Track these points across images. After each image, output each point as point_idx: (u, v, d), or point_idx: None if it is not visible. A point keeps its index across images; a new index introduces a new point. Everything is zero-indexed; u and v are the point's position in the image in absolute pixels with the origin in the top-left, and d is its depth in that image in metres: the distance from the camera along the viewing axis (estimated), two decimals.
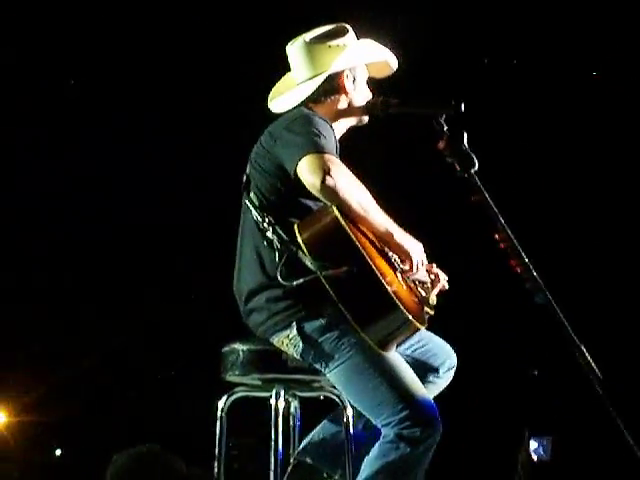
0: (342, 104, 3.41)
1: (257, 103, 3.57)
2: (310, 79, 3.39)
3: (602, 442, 5.00)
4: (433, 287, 3.35)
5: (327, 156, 3.07)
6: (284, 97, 3.46)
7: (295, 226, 3.08)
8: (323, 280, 3.01)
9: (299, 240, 3.05)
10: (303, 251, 3.06)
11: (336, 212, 3.05)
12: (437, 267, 3.42)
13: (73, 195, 5.40)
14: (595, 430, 5.01)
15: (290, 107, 3.39)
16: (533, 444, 5.24)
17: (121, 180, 5.45)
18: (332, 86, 3.40)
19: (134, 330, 5.28)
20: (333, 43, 3.40)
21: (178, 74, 5.44)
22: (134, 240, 5.38)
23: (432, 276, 3.38)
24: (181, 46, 5.41)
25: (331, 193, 3.04)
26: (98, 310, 5.28)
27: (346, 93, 3.40)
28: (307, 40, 3.42)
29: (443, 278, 3.41)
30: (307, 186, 3.08)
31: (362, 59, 3.44)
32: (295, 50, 3.45)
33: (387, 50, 3.51)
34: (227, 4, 5.34)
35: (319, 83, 3.36)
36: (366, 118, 3.47)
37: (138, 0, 5.38)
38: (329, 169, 3.03)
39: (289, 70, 3.51)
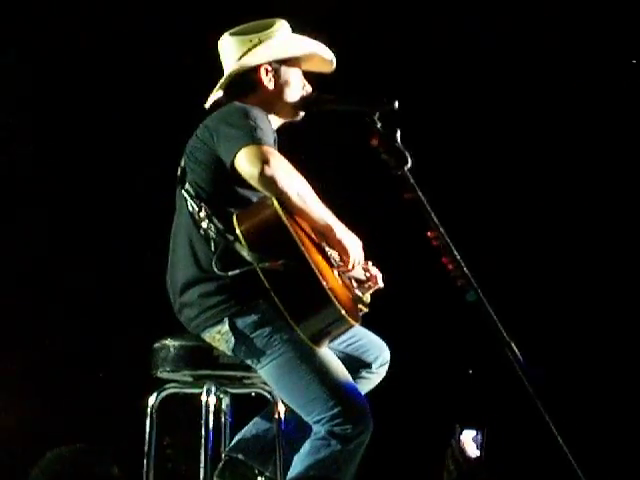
0: (268, 98, 3.36)
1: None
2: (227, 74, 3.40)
3: (533, 437, 5.05)
4: (368, 286, 3.36)
5: (265, 147, 3.07)
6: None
7: (234, 217, 3.07)
8: (259, 272, 3.00)
9: (237, 231, 3.04)
10: (240, 242, 3.05)
11: (276, 204, 3.04)
12: (373, 266, 3.43)
13: None
14: (525, 425, 5.06)
15: (210, 102, 3.42)
16: (466, 437, 5.27)
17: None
18: (251, 80, 3.39)
19: (63, 326, 5.22)
20: (253, 37, 3.40)
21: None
22: (62, 235, 5.31)
23: (368, 274, 3.39)
24: None
25: (270, 183, 3.03)
26: (25, 306, 5.20)
27: (265, 88, 3.38)
28: (229, 34, 3.43)
29: (379, 277, 3.42)
30: (245, 177, 3.07)
31: (282, 53, 3.41)
32: (220, 44, 3.46)
33: (318, 44, 3.49)
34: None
35: (229, 77, 3.37)
36: (301, 114, 3.46)
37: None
38: (267, 160, 3.03)
39: None
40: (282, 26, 3.45)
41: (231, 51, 3.43)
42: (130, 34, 5.24)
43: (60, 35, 5.22)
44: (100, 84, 5.30)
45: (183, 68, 5.15)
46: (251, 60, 3.38)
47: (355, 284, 3.32)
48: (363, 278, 3.37)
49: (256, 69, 3.39)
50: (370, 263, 3.42)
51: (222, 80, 3.42)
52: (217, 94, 3.45)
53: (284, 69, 3.42)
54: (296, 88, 3.44)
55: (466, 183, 5.47)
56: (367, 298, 3.35)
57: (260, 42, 3.39)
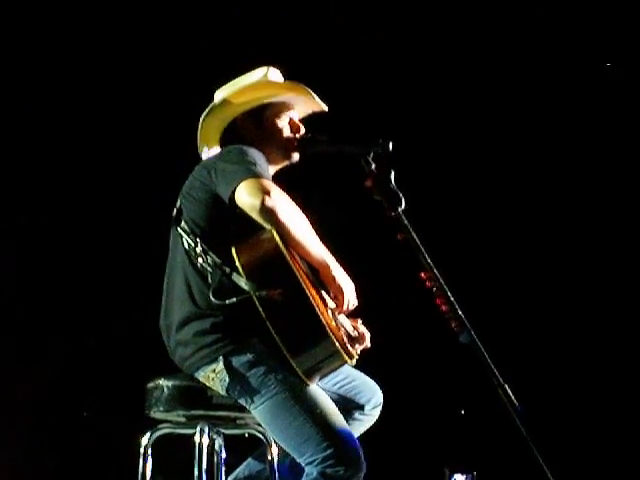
0: (255, 146, 3.34)
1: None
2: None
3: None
4: (357, 343, 3.33)
5: (265, 180, 3.09)
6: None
7: (233, 249, 3.07)
8: (256, 301, 2.99)
9: (237, 263, 3.04)
10: (239, 272, 3.05)
11: (276, 237, 3.05)
12: (362, 324, 3.41)
13: None
14: (517, 468, 5.05)
15: (204, 156, 3.48)
16: None
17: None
18: (237, 131, 3.43)
19: (55, 365, 5.21)
20: (233, 92, 3.45)
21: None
22: (56, 275, 5.32)
23: (357, 333, 3.36)
24: None
25: (271, 214, 3.04)
26: (14, 344, 5.20)
27: (249, 136, 3.40)
28: (217, 91, 3.50)
29: (367, 336, 3.38)
30: (246, 209, 3.07)
31: (252, 102, 3.43)
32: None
33: (299, 86, 3.50)
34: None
35: (217, 128, 3.44)
36: (296, 156, 3.47)
37: None
38: (269, 191, 3.04)
39: None
40: (262, 72, 3.49)
41: (214, 107, 3.47)
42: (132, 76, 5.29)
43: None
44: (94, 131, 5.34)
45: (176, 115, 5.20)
46: (226, 113, 3.43)
47: (345, 336, 3.30)
48: (352, 334, 3.34)
49: (236, 120, 3.44)
50: (360, 321, 3.40)
51: (200, 132, 3.47)
52: (212, 149, 3.48)
53: (266, 114, 3.45)
54: (284, 131, 3.45)
55: (459, 225, 5.49)
56: (355, 353, 3.32)
57: (234, 95, 3.44)
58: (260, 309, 2.99)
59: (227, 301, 3.08)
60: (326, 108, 3.58)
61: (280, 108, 3.47)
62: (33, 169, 5.32)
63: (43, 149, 5.34)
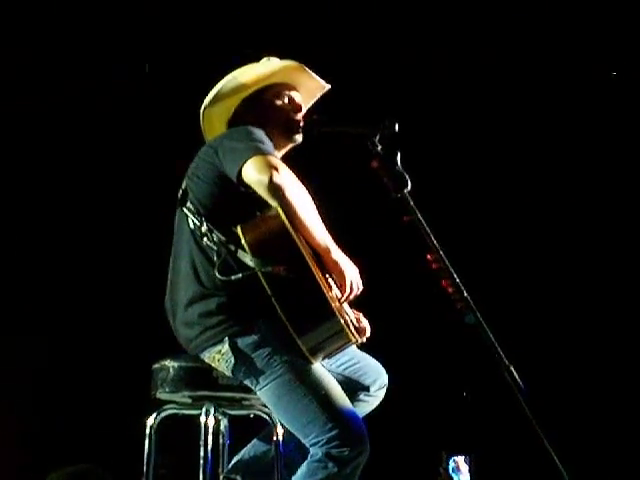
0: (262, 126, 3.34)
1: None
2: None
3: (525, 463, 5.06)
4: (358, 333, 3.32)
5: (272, 157, 3.09)
6: None
7: (238, 228, 3.06)
8: (261, 277, 2.99)
9: (242, 241, 3.04)
10: (244, 250, 3.05)
11: (282, 215, 3.04)
12: (364, 317, 3.40)
13: None
14: (518, 450, 5.06)
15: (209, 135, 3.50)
16: (459, 462, 5.27)
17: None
18: (238, 117, 3.45)
19: (62, 346, 5.22)
20: (236, 74, 3.47)
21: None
22: (61, 252, 5.33)
23: (359, 325, 3.33)
24: None
25: (279, 190, 3.03)
26: (22, 325, 5.21)
27: (249, 120, 3.39)
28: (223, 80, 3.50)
29: (367, 330, 3.37)
30: (253, 185, 3.06)
31: (252, 84, 3.46)
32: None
33: (284, 62, 3.50)
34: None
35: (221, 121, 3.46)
36: (299, 137, 3.47)
37: None
38: (277, 168, 3.04)
39: None
40: (262, 61, 3.51)
41: (225, 88, 3.47)
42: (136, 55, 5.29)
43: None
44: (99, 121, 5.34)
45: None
46: (222, 108, 3.46)
47: (348, 318, 3.27)
48: (355, 324, 3.29)
49: (237, 106, 3.46)
50: (361, 315, 3.39)
51: (203, 125, 3.50)
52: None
53: (264, 98, 3.46)
54: (284, 112, 3.46)
55: (466, 205, 5.49)
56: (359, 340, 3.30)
57: (227, 83, 3.45)
58: (265, 286, 2.98)
59: (233, 277, 3.08)
60: (327, 85, 3.58)
61: (278, 89, 3.48)
62: (32, 144, 5.32)
63: (42, 127, 5.34)
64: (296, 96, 3.50)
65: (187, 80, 5.10)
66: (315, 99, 3.63)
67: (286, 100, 3.48)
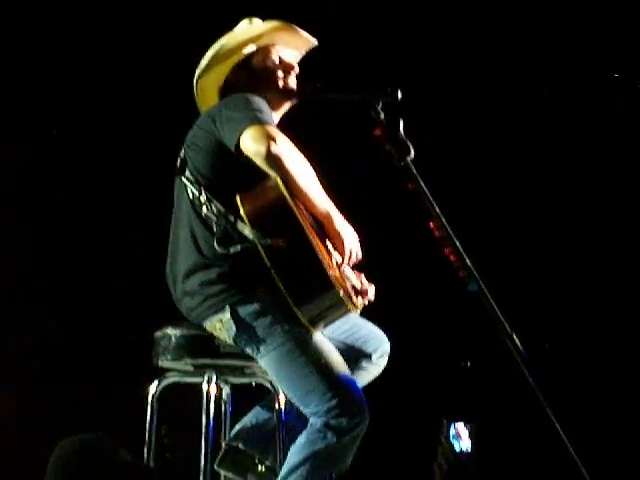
0: (256, 93, 3.30)
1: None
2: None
3: (526, 432, 5.07)
4: (361, 296, 3.32)
5: (271, 127, 3.07)
6: None
7: (237, 198, 3.06)
8: (261, 249, 2.99)
9: (241, 212, 3.03)
10: (243, 221, 3.04)
11: (281, 186, 3.03)
12: (365, 279, 3.39)
13: None
14: (519, 417, 5.07)
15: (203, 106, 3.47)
16: (461, 429, 5.29)
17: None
18: (230, 82, 3.42)
19: (65, 315, 5.22)
20: (209, 61, 3.43)
21: None
22: (60, 224, 5.32)
23: (361, 286, 3.32)
24: None
25: (277, 161, 3.03)
26: (26, 294, 5.21)
27: (245, 86, 3.35)
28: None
29: (371, 291, 3.36)
30: (251, 155, 3.05)
31: (241, 46, 3.42)
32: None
33: (266, 23, 3.46)
34: None
35: (212, 90, 3.43)
36: (294, 98, 3.43)
37: None
38: (274, 138, 3.03)
39: None
40: (243, 25, 3.47)
41: (214, 55, 3.44)
42: (131, 34, 5.25)
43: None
44: (98, 79, 5.30)
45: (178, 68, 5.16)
46: (218, 72, 3.43)
47: (349, 285, 3.27)
48: (357, 285, 3.32)
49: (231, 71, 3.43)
50: (363, 276, 3.38)
51: (197, 98, 3.47)
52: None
53: (255, 61, 3.43)
54: (278, 72, 3.42)
55: (468, 174, 5.47)
56: (360, 305, 3.30)
57: (212, 63, 3.42)
58: (265, 258, 2.99)
59: (232, 249, 3.08)
60: (315, 42, 3.54)
61: (267, 51, 3.45)
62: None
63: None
64: (286, 55, 3.46)
65: (183, 45, 5.06)
66: (302, 55, 3.57)
67: (277, 61, 3.44)
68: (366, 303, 3.32)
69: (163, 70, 5.20)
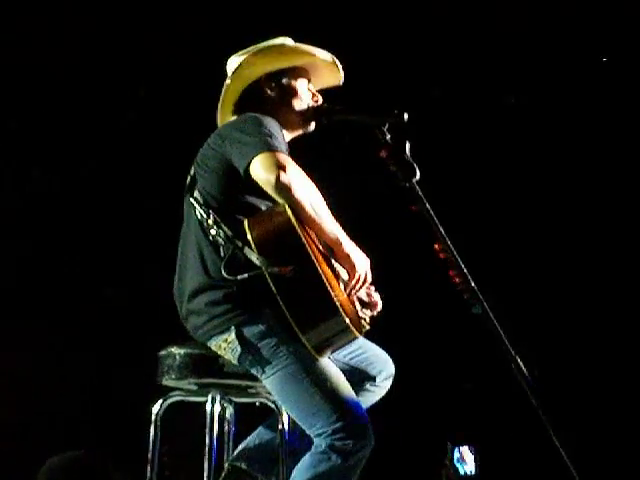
0: (274, 110, 3.37)
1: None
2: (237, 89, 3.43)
3: (531, 455, 5.06)
4: (369, 309, 3.33)
5: (281, 154, 3.07)
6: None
7: (245, 222, 3.06)
8: (267, 277, 2.99)
9: (248, 237, 3.03)
10: (250, 247, 3.04)
11: (289, 212, 3.04)
12: (376, 291, 3.41)
13: None
14: (523, 441, 5.06)
15: (221, 120, 3.45)
16: (465, 452, 5.28)
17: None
18: (256, 93, 3.42)
19: (69, 331, 5.23)
20: (252, 50, 3.43)
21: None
22: (69, 242, 5.33)
23: (369, 299, 3.35)
24: None
25: (286, 190, 3.03)
26: (29, 310, 5.22)
27: (271, 99, 3.40)
28: (238, 53, 3.47)
29: (379, 304, 3.38)
30: (261, 183, 3.06)
31: (281, 63, 3.43)
32: (229, 64, 3.49)
33: (321, 50, 3.49)
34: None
35: (233, 92, 3.41)
36: (312, 125, 3.46)
37: None
38: (284, 166, 3.03)
39: None
40: (283, 40, 3.47)
41: (232, 67, 3.45)
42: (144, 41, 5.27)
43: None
44: (111, 94, 5.32)
45: (193, 84, 5.17)
46: (251, 72, 3.41)
47: (358, 304, 3.30)
48: (365, 299, 3.33)
49: (259, 81, 3.42)
50: (373, 288, 3.39)
51: (222, 95, 3.44)
52: (227, 113, 3.46)
53: (288, 79, 3.44)
54: (303, 98, 3.44)
55: (474, 196, 5.48)
56: (366, 320, 3.32)
57: (259, 54, 3.41)
58: (271, 285, 2.99)
59: (239, 277, 3.08)
60: (341, 82, 3.57)
61: (301, 74, 3.46)
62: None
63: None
64: (310, 85, 3.49)
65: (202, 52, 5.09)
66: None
67: (306, 86, 3.46)
68: (374, 314, 3.34)
69: (179, 78, 5.22)
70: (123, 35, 5.29)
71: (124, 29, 5.28)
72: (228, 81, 3.43)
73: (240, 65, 3.41)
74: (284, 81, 3.43)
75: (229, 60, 3.50)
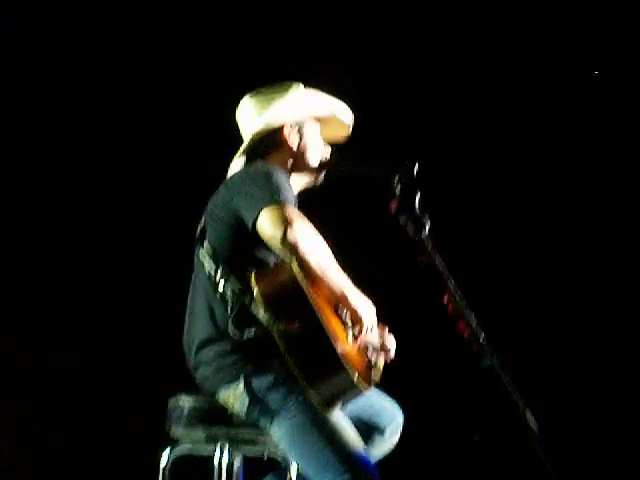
0: (290, 160, 3.40)
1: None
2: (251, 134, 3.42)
3: None
4: (382, 352, 3.33)
5: (289, 209, 3.06)
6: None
7: (252, 276, 3.06)
8: (274, 334, 3.00)
9: (254, 292, 3.03)
10: (257, 303, 3.05)
11: (295, 269, 3.03)
12: (389, 332, 3.41)
13: None
14: None
15: (236, 167, 3.44)
16: None
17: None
18: (275, 139, 3.42)
19: (78, 379, 5.22)
20: (275, 96, 3.43)
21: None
22: (82, 274, 5.33)
23: (382, 342, 3.35)
24: None
25: (292, 248, 3.01)
26: (40, 355, 5.21)
27: (290, 148, 3.41)
28: (249, 96, 3.47)
29: (392, 349, 3.38)
30: (267, 239, 3.06)
31: (307, 111, 3.44)
32: (240, 108, 3.50)
33: (340, 103, 3.52)
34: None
35: (255, 137, 3.39)
36: (321, 177, 3.48)
37: None
38: (291, 222, 3.02)
39: None
40: (300, 86, 3.48)
41: (252, 111, 3.45)
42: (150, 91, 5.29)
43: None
44: (118, 138, 5.34)
45: (202, 130, 5.19)
46: (275, 118, 3.40)
47: (370, 349, 3.31)
48: (377, 345, 3.33)
49: (280, 128, 3.42)
50: (387, 329, 3.39)
51: (246, 143, 3.43)
52: (240, 158, 3.47)
53: (306, 128, 3.45)
54: (318, 148, 3.46)
55: (483, 246, 5.47)
56: (380, 366, 3.32)
57: (282, 101, 3.41)
58: (278, 342, 2.99)
59: (246, 334, 3.09)
60: (345, 138, 3.59)
61: (316, 125, 3.48)
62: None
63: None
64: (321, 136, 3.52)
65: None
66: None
67: (321, 141, 3.48)
68: (388, 361, 3.34)
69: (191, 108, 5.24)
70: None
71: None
72: (261, 125, 3.40)
73: (267, 111, 3.40)
74: (303, 130, 3.44)
75: (244, 102, 3.50)
